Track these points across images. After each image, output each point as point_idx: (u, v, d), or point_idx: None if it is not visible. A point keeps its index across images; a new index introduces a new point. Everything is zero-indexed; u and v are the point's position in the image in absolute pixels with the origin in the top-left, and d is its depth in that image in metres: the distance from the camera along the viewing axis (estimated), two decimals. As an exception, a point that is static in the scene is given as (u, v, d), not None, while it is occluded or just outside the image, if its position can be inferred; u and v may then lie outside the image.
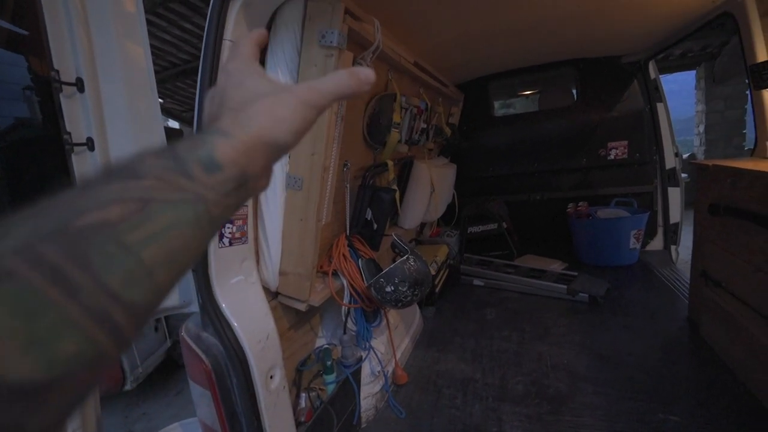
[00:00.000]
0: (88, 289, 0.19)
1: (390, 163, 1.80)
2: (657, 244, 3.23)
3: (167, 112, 6.47)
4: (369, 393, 1.63)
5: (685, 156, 6.24)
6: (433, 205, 2.43)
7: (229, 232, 1.12)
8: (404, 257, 1.40)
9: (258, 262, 1.32)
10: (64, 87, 0.91)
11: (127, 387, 2.37)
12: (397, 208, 1.90)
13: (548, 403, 1.61)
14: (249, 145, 0.28)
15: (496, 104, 4.02)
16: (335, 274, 1.48)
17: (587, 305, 2.41)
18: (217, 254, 1.07)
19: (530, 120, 3.57)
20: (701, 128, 6.67)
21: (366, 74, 0.32)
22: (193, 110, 1.05)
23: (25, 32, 1.06)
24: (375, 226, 1.66)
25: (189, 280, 1.15)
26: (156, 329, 2.74)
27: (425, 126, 2.20)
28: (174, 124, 7.04)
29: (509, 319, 2.34)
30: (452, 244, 2.93)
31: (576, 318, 2.28)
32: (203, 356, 1.02)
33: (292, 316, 1.46)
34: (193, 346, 1.03)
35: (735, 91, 6.27)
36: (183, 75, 5.24)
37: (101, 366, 0.20)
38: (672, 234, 3.15)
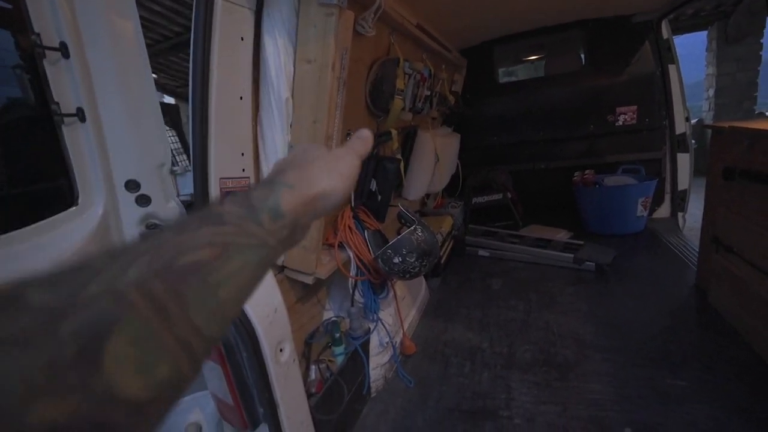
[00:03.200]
0: (180, 321, 0.22)
1: (394, 131, 1.74)
2: (664, 211, 3.19)
3: (161, 88, 6.31)
4: (378, 363, 1.64)
5: (693, 122, 6.09)
6: (438, 175, 2.38)
7: (232, 206, 1.09)
8: (411, 227, 1.37)
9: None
10: (47, 52, 0.86)
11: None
12: (401, 179, 1.86)
13: (556, 370, 1.62)
14: (308, 198, 0.33)
15: (500, 72, 3.89)
16: (341, 246, 1.45)
17: (594, 274, 2.41)
18: (221, 228, 1.03)
19: (536, 86, 3.46)
20: (711, 92, 6.48)
21: (360, 133, 0.41)
22: (188, 85, 1.00)
23: (8, 5, 0.99)
24: (380, 197, 1.62)
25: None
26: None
27: (429, 93, 2.12)
28: (169, 99, 6.89)
29: (515, 288, 2.34)
30: (457, 215, 2.90)
31: (582, 286, 2.28)
32: (212, 331, 1.01)
33: (299, 289, 1.45)
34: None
35: (749, 51, 6.04)
36: (175, 49, 5.06)
37: (184, 387, 0.23)
38: (680, 201, 3.11)
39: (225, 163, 1.05)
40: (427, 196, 2.96)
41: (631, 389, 1.46)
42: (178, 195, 1.11)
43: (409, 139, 2.14)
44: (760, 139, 1.53)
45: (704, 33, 6.68)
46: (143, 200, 1.02)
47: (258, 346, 1.05)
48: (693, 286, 2.11)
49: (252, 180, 1.15)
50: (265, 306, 1.09)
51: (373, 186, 1.63)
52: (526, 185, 3.38)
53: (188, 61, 1.00)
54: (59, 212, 0.94)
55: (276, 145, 1.21)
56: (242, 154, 1.13)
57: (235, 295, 0.26)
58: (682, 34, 6.81)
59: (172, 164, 1.11)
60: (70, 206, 0.96)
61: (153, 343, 0.21)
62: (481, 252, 2.82)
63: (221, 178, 1.04)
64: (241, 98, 1.10)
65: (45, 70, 0.87)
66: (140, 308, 0.21)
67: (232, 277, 0.26)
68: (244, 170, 1.13)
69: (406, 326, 1.86)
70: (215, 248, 0.25)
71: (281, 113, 1.18)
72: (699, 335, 1.74)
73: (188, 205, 1.09)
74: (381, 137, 1.70)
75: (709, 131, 2.02)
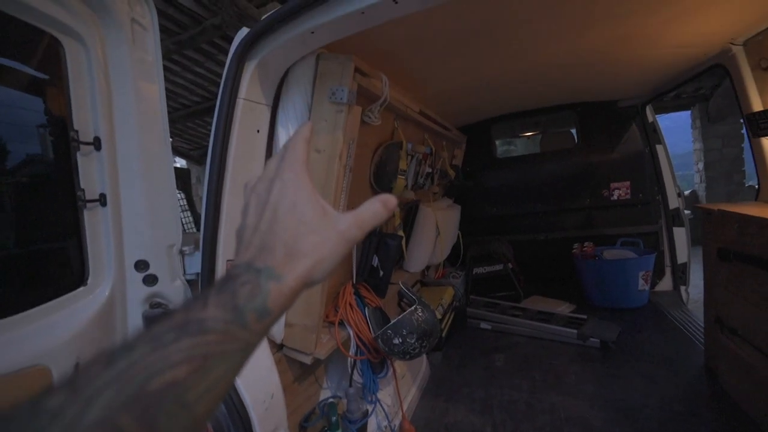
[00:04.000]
0: None
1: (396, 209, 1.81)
2: (666, 284, 3.18)
3: (175, 151, 6.62)
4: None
5: (686, 193, 6.28)
6: (439, 247, 2.42)
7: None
8: (412, 308, 1.38)
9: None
10: (81, 146, 0.94)
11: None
12: (402, 253, 1.90)
13: (565, 461, 1.52)
14: (294, 290, 0.30)
15: (498, 143, 4.11)
16: (341, 323, 1.45)
17: (599, 350, 2.34)
18: (224, 309, 1.05)
19: (532, 161, 3.63)
20: (700, 165, 6.76)
21: (392, 201, 0.34)
22: (200, 149, 1.07)
23: (46, 76, 1.09)
24: (381, 272, 1.64)
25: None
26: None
27: (430, 170, 2.24)
28: (180, 161, 7.19)
29: (519, 365, 2.26)
30: (458, 285, 2.89)
31: (588, 365, 2.21)
32: (205, 418, 0.98)
33: (296, 368, 1.42)
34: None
35: (731, 129, 6.40)
36: (193, 115, 5.40)
37: None
38: (680, 274, 3.11)
39: (232, 246, 1.09)
40: (428, 267, 2.98)
41: (646, 487, 1.36)
42: (185, 273, 1.14)
43: (410, 213, 2.22)
44: (749, 224, 1.58)
45: (689, 112, 7.13)
46: (150, 280, 1.05)
47: (252, 436, 1.01)
48: (702, 367, 2.04)
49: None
50: (262, 391, 1.07)
51: (375, 261, 1.66)
52: (527, 256, 3.41)
53: (203, 128, 1.08)
54: (66, 292, 0.97)
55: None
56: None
57: (212, 405, 0.25)
58: (667, 113, 7.28)
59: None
60: (78, 286, 0.99)
61: None
62: (483, 324, 2.77)
63: (228, 260, 1.08)
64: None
65: (77, 160, 0.95)
66: None
67: (212, 389, 0.24)
68: (250, 250, 1.17)
69: (405, 407, 1.78)
70: (193, 362, 0.23)
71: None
72: (711, 421, 1.65)
73: (193, 284, 1.11)
74: (383, 213, 1.76)
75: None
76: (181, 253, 1.12)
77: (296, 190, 0.32)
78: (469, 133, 3.39)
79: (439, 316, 2.39)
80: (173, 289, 1.10)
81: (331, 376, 1.62)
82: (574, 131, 3.52)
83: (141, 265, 1.04)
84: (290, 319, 1.30)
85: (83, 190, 0.96)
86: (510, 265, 3.06)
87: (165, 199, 1.08)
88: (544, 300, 3.02)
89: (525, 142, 5.88)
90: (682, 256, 3.11)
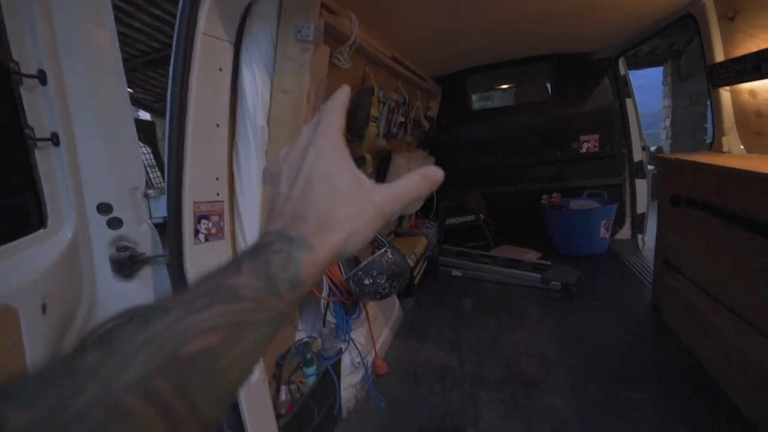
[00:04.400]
0: (185, 419, 0.21)
1: (368, 156, 1.81)
2: (625, 233, 3.38)
3: (137, 103, 6.22)
4: (349, 384, 1.66)
5: (652, 149, 6.50)
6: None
7: (205, 228, 1.11)
8: (382, 250, 1.43)
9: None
10: (24, 80, 0.88)
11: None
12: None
13: (522, 387, 1.68)
14: (326, 260, 0.29)
15: (474, 96, 4.08)
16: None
17: (560, 293, 2.51)
18: (193, 251, 1.06)
19: (507, 114, 3.65)
20: (667, 122, 6.95)
21: (435, 173, 0.32)
22: (165, 101, 1.03)
23: None
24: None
25: (165, 279, 1.13)
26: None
27: (403, 119, 2.22)
28: (145, 115, 6.78)
29: (486, 308, 2.41)
30: (431, 235, 2.98)
31: (549, 305, 2.37)
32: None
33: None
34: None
35: (699, 87, 6.54)
36: (154, 64, 5.04)
37: None
38: (639, 224, 3.30)
39: (199, 187, 1.08)
40: (402, 217, 3.03)
41: (590, 404, 1.54)
42: (151, 217, 1.13)
43: (384, 163, 2.22)
44: (700, 171, 1.68)
45: (661, 68, 7.21)
46: (115, 223, 1.03)
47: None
48: (649, 304, 2.24)
49: (226, 208, 1.18)
50: (236, 327, 1.10)
51: (347, 208, 1.67)
52: (498, 207, 3.51)
53: (166, 77, 1.03)
54: (26, 234, 0.94)
55: (251, 170, 1.25)
56: (217, 179, 1.16)
57: (243, 374, 0.25)
58: (641, 69, 7.33)
59: (147, 185, 1.13)
60: (38, 228, 0.96)
61: None
62: (454, 272, 2.89)
63: (195, 202, 1.07)
64: (217, 125, 1.14)
65: (21, 95, 0.89)
66: (141, 414, 0.19)
67: (243, 358, 0.24)
68: (218, 194, 1.17)
69: (378, 346, 1.88)
70: (225, 330, 0.23)
71: (257, 140, 1.23)
72: (653, 351, 1.84)
73: (161, 227, 1.10)
74: (355, 161, 1.76)
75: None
76: (146, 196, 1.10)
77: (331, 158, 0.31)
78: (444, 84, 3.33)
79: (411, 264, 2.48)
80: (140, 233, 1.09)
81: (306, 319, 1.68)
82: (549, 85, 3.52)
83: (104, 208, 1.02)
84: (263, 263, 1.32)
85: (32, 128, 0.91)
86: (482, 216, 3.16)
87: (125, 142, 1.04)
88: (513, 249, 3.16)
89: (501, 97, 5.85)
90: (641, 207, 3.29)
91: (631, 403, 1.52)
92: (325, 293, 1.50)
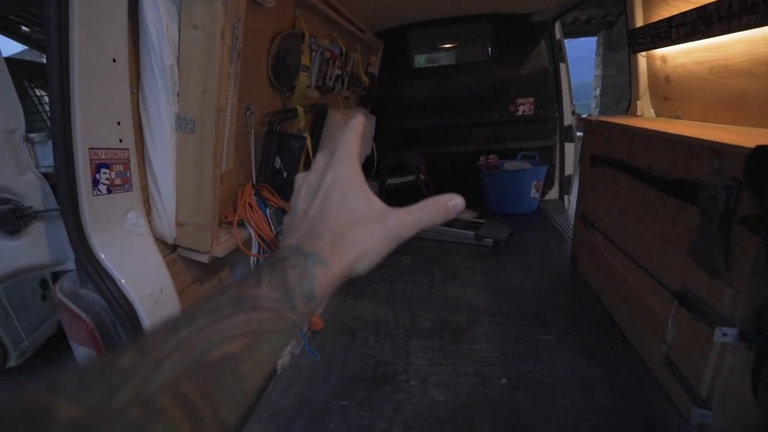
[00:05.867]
0: (208, 422, 0.22)
1: (300, 109, 1.72)
2: (554, 194, 3.62)
3: (36, 45, 5.37)
4: (284, 350, 1.65)
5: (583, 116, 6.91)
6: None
7: (107, 179, 1.00)
8: (312, 205, 1.39)
9: (149, 212, 1.21)
10: None
11: (11, 363, 2.13)
12: (309, 157, 1.85)
13: (450, 335, 1.78)
14: (339, 276, 0.30)
15: (422, 59, 4.01)
16: (241, 223, 1.42)
17: (491, 248, 2.66)
18: (92, 202, 0.95)
19: (448, 73, 3.63)
20: (597, 92, 7.40)
21: (455, 205, 0.34)
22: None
23: None
24: (285, 174, 1.60)
25: (62, 233, 1.01)
26: (44, 297, 2.44)
27: (340, 72, 2.12)
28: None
29: (422, 264, 2.50)
30: (371, 196, 2.97)
31: (480, 260, 2.51)
32: (83, 314, 0.93)
33: (195, 269, 1.39)
34: (70, 304, 0.93)
35: (625, 58, 6.97)
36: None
37: None
38: (566, 185, 3.55)
39: (95, 131, 0.95)
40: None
41: (510, 346, 1.68)
42: (38, 166, 0.99)
43: (319, 118, 2.13)
44: (615, 131, 1.81)
45: (595, 39, 7.55)
46: (-12, 171, 0.89)
47: (141, 328, 0.99)
48: (568, 257, 2.45)
49: (132, 151, 1.06)
50: (149, 284, 1.03)
51: (278, 163, 1.60)
52: (438, 168, 3.57)
53: None
54: None
55: (161, 115, 1.13)
56: (119, 123, 1.03)
57: (259, 381, 0.26)
58: (577, 37, 7.63)
59: (32, 131, 0.98)
60: None
61: None
62: (394, 231, 2.94)
63: (91, 148, 0.95)
64: (114, 60, 1.00)
65: None
66: (171, 415, 0.20)
67: (261, 365, 0.25)
68: (121, 140, 1.04)
69: (314, 303, 1.89)
70: (247, 337, 0.25)
71: (165, 81, 1.10)
72: (567, 297, 2.03)
73: (51, 177, 0.97)
74: (286, 114, 1.67)
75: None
76: (28, 140, 0.96)
77: (348, 182, 0.33)
78: (386, 40, 3.22)
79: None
80: (24, 184, 0.96)
81: (237, 277, 1.62)
82: (489, 47, 3.54)
83: (-30, 153, 0.87)
84: (181, 219, 1.23)
85: None
86: (422, 176, 3.20)
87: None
88: (451, 209, 3.26)
89: (444, 57, 5.81)
90: (569, 169, 3.52)
91: (546, 344, 1.68)
92: (254, 251, 1.45)
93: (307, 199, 0.34)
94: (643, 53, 1.94)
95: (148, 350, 0.22)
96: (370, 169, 3.17)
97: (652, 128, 1.44)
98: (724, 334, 0.98)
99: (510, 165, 3.31)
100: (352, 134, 0.35)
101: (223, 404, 0.23)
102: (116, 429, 0.19)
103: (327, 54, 1.85)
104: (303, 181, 0.36)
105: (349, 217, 0.32)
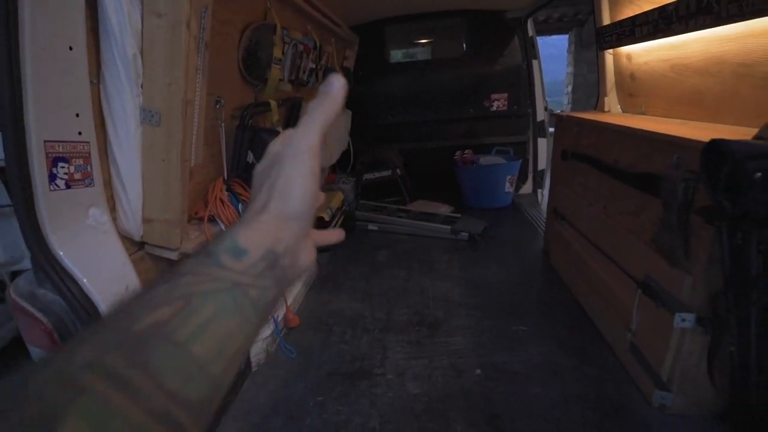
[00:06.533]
0: (148, 391, 0.20)
1: (273, 103, 1.69)
2: (527, 188, 3.70)
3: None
4: (259, 337, 1.63)
5: (555, 112, 7.09)
6: (326, 150, 2.39)
7: (65, 173, 0.95)
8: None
9: (114, 209, 1.16)
10: None
11: (-33, 367, 2.01)
12: (283, 153, 1.82)
13: (427, 328, 1.80)
14: (269, 225, 0.29)
15: (398, 54, 4.01)
16: (212, 219, 1.38)
17: (467, 242, 2.70)
18: (48, 198, 0.90)
19: (424, 68, 3.65)
20: (569, 89, 7.60)
21: (334, 85, 0.32)
22: None
23: None
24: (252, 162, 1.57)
25: (16, 230, 0.96)
26: (1, 300, 2.31)
27: (314, 66, 2.09)
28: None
29: (399, 259, 2.51)
30: (348, 190, 2.96)
31: (456, 254, 2.54)
32: (40, 315, 0.89)
33: (164, 267, 1.34)
34: (26, 305, 0.89)
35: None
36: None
37: None
38: (539, 179, 3.63)
39: (51, 123, 0.90)
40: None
41: (485, 338, 1.71)
42: (-10, 159, 0.93)
43: (294, 112, 2.09)
44: (584, 127, 1.86)
45: (567, 36, 7.74)
46: (-69, 164, 0.83)
47: (104, 328, 0.96)
48: (541, 250, 2.51)
49: (93, 144, 1.01)
50: (113, 283, 0.99)
51: (250, 158, 1.56)
52: (415, 163, 3.58)
53: None
54: None
55: (125, 107, 1.08)
56: (77, 115, 0.98)
57: (214, 347, 0.24)
58: (550, 35, 7.80)
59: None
60: None
61: (118, 423, 0.19)
62: (371, 226, 2.94)
63: (47, 141, 0.90)
64: (71, 48, 0.95)
65: None
66: (96, 388, 0.19)
67: (204, 330, 0.23)
68: (80, 133, 0.99)
69: (290, 301, 1.87)
70: (174, 303, 0.23)
71: (128, 71, 1.06)
72: (540, 289, 2.09)
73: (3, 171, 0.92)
74: (258, 107, 1.63)
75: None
76: (-25, 132, 0.90)
77: (298, 166, 0.30)
78: (361, 34, 3.20)
79: (327, 219, 2.46)
80: (-27, 178, 0.90)
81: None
82: (464, 43, 3.57)
83: None
84: (148, 215, 1.19)
85: None
86: (398, 172, 3.21)
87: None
88: (428, 203, 3.29)
89: (419, 53, 5.83)
90: (542, 164, 3.60)
91: (519, 335, 1.72)
92: (226, 247, 1.41)
93: (260, 181, 0.32)
94: (610, 51, 2.00)
95: (69, 343, 0.22)
96: (347, 164, 3.15)
97: (617, 123, 1.49)
98: (683, 320, 1.03)
99: (485, 160, 3.35)
100: (319, 116, 0.32)
101: (167, 373, 0.21)
102: (31, 409, 0.18)
103: (300, 47, 1.82)
104: (258, 171, 0.34)
105: (273, 172, 0.31)
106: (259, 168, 0.33)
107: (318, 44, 2.11)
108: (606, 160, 1.59)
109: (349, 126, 2.95)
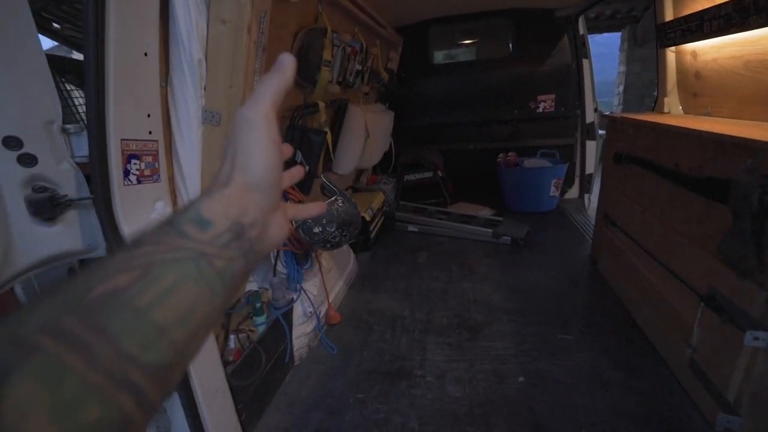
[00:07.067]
0: (105, 354, 0.20)
1: (321, 104, 1.73)
2: (574, 192, 3.55)
3: (66, 41, 5.54)
4: (301, 333, 1.68)
5: (606, 113, 6.74)
6: (369, 151, 2.42)
7: (137, 169, 1.03)
8: (332, 198, 1.40)
9: (175, 202, 1.24)
10: None
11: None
12: (329, 152, 1.87)
13: (468, 331, 1.78)
14: (232, 196, 0.29)
15: (441, 55, 4.00)
16: (263, 217, 1.44)
17: (509, 246, 2.63)
18: (123, 192, 0.98)
19: (468, 69, 3.60)
20: (621, 88, 7.20)
21: (286, 59, 0.32)
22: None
23: None
24: (306, 168, 1.62)
25: (94, 221, 1.05)
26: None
27: (360, 68, 2.13)
28: (79, 55, 6.07)
29: (439, 261, 2.49)
30: (388, 191, 2.98)
31: (498, 258, 2.49)
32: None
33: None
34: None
35: (652, 53, 6.76)
36: (83, -4, 4.44)
37: (132, 428, 0.20)
38: (587, 184, 3.48)
39: (127, 123, 0.99)
40: (361, 172, 2.99)
41: (528, 345, 1.66)
42: (73, 156, 1.03)
43: (339, 113, 2.14)
44: (641, 129, 1.76)
45: (620, 34, 7.34)
46: (27, 160, 0.93)
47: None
48: (588, 256, 2.41)
49: (160, 143, 1.09)
50: (175, 273, 1.06)
51: (299, 158, 1.62)
52: (456, 165, 3.55)
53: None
54: None
55: (189, 108, 1.16)
56: (148, 116, 1.06)
57: (176, 315, 0.23)
58: (601, 33, 7.43)
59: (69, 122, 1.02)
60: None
61: (73, 383, 0.18)
62: (411, 227, 2.94)
63: (123, 139, 0.98)
64: (146, 54, 1.03)
65: None
66: (49, 348, 0.18)
67: (166, 296, 0.23)
68: (151, 132, 1.07)
69: (331, 297, 1.91)
70: (134, 271, 0.23)
71: (193, 75, 1.13)
72: (586, 297, 2.00)
73: (84, 167, 1.01)
74: (307, 108, 1.68)
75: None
76: (65, 131, 0.99)
77: (255, 136, 0.31)
78: (405, 35, 3.21)
79: (368, 219, 2.49)
80: (60, 173, 1.00)
81: (257, 270, 1.65)
82: (510, 42, 3.49)
83: (11, 143, 0.91)
84: (205, 210, 1.26)
85: None
86: (440, 173, 3.19)
87: (31, 69, 0.92)
88: (469, 205, 3.24)
89: (463, 53, 5.75)
90: (590, 168, 3.45)
91: (564, 343, 1.66)
92: (274, 243, 1.47)
93: (225, 160, 0.32)
94: (672, 48, 1.88)
95: (24, 306, 0.21)
96: (388, 165, 3.17)
97: (680, 125, 1.40)
98: (756, 338, 0.95)
99: (529, 162, 3.26)
100: (271, 82, 0.32)
101: (125, 337, 0.21)
102: None
103: (348, 49, 1.86)
104: (226, 148, 0.33)
105: (248, 159, 0.30)
106: (226, 142, 0.33)
107: (364, 46, 2.14)
108: (665, 164, 1.50)
109: (391, 127, 2.97)
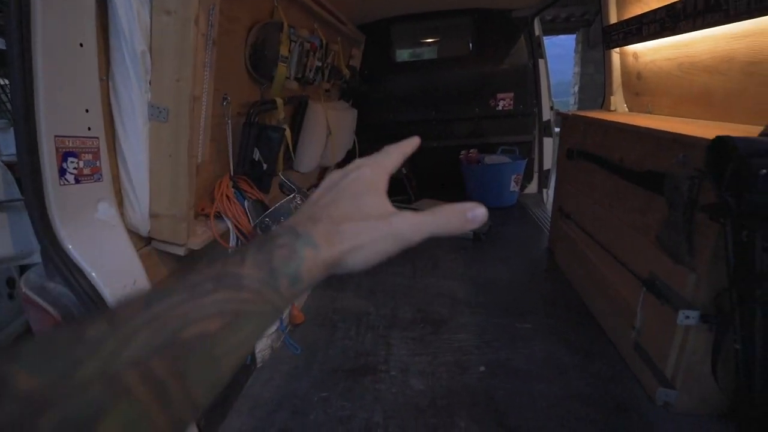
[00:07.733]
0: (178, 401, 0.21)
1: (279, 100, 1.70)
2: (533, 187, 3.69)
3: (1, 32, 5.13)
4: (264, 334, 1.64)
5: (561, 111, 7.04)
6: (331, 148, 2.40)
7: (75, 168, 0.97)
8: (290, 195, 1.38)
9: (122, 204, 1.18)
10: None
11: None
12: (289, 149, 1.83)
13: (431, 325, 1.80)
14: (328, 265, 0.29)
15: (404, 53, 4.02)
16: (219, 216, 1.40)
17: (471, 241, 2.70)
18: (59, 192, 0.92)
19: (429, 67, 3.64)
20: (576, 89, 7.55)
21: (476, 215, 0.31)
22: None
23: None
24: (264, 166, 1.58)
25: (27, 224, 0.98)
26: (11, 296, 2.35)
27: (320, 64, 2.10)
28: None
29: (403, 256, 2.44)
30: (353, 189, 2.96)
31: (461, 252, 2.54)
32: (50, 308, 0.90)
33: (172, 262, 1.36)
34: (36, 297, 0.90)
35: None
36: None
37: None
38: (544, 179, 3.62)
39: (61, 118, 0.92)
40: (324, 170, 2.96)
41: (489, 335, 1.71)
42: (0, 155, 0.95)
43: (300, 110, 2.11)
44: (590, 126, 1.85)
45: (574, 36, 7.69)
46: (-54, 158, 0.85)
47: (113, 321, 0.97)
48: (546, 249, 2.51)
49: (102, 140, 1.03)
50: (121, 277, 1.01)
51: (257, 155, 1.58)
52: (420, 162, 3.59)
53: None
54: None
55: (133, 103, 1.10)
56: (87, 111, 1.00)
57: (236, 363, 0.24)
58: (557, 35, 7.76)
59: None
60: None
61: (145, 427, 0.19)
62: (376, 225, 2.94)
63: (57, 136, 0.92)
64: (81, 45, 0.96)
65: None
66: (137, 392, 0.19)
67: (238, 347, 0.24)
68: (90, 129, 1.01)
69: (295, 297, 1.88)
70: (225, 317, 0.24)
71: (137, 68, 1.07)
72: (544, 287, 2.08)
73: (13, 166, 0.94)
74: (265, 105, 1.64)
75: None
76: (-11, 128, 0.92)
77: (367, 183, 0.33)
78: (368, 33, 3.20)
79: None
80: (-14, 172, 0.92)
81: (215, 271, 1.60)
82: (470, 42, 3.56)
83: (-74, 139, 0.83)
84: (155, 210, 1.20)
85: None
86: (403, 171, 3.21)
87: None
88: (433, 202, 3.28)
89: (425, 52, 5.81)
90: (547, 163, 3.59)
91: (523, 332, 1.72)
92: (232, 243, 1.43)
93: (322, 191, 0.34)
94: (617, 50, 1.99)
95: (118, 323, 0.21)
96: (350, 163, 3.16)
97: (623, 122, 1.49)
98: (687, 317, 1.03)
99: (490, 159, 3.35)
100: (395, 149, 0.36)
101: (197, 385, 0.22)
102: (76, 404, 0.17)
103: (307, 45, 1.83)
104: (328, 175, 0.35)
105: (356, 211, 0.31)
106: (334, 175, 0.35)
107: (324, 42, 2.12)
108: (612, 158, 1.59)
109: (354, 124, 2.96)
